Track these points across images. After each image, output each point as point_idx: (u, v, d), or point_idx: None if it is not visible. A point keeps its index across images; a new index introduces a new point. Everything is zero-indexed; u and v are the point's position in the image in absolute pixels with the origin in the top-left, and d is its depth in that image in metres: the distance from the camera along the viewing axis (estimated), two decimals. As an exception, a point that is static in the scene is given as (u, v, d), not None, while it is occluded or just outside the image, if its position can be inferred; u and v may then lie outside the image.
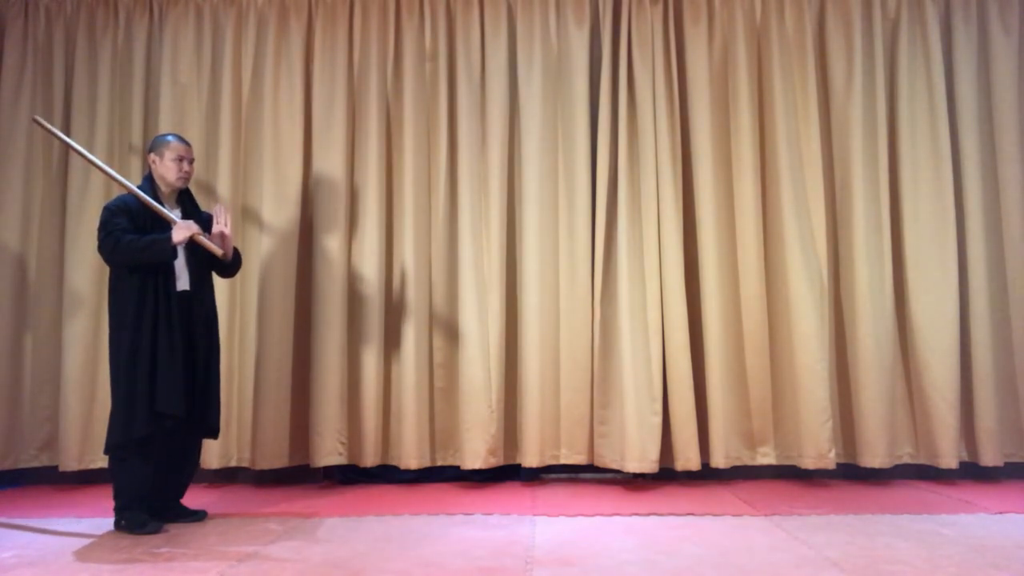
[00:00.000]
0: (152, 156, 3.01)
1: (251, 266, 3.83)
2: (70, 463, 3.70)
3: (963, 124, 3.84)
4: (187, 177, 3.05)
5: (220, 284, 3.76)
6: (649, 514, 3.06)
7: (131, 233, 2.83)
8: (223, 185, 3.85)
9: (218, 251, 2.96)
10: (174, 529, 2.86)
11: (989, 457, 3.65)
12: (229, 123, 3.90)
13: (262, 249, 3.80)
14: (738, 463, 3.72)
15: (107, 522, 3.01)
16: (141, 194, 2.90)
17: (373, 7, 3.97)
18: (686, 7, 3.92)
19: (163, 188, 3.01)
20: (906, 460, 3.74)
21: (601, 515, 3.06)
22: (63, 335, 3.77)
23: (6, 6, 4.02)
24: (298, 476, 3.79)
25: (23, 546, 2.67)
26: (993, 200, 3.84)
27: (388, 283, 3.84)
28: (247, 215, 3.89)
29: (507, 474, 3.77)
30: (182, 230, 2.85)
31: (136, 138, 3.92)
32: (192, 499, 3.43)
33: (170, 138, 3.05)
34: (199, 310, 2.98)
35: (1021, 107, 3.86)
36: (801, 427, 3.62)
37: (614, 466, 3.65)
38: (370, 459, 3.70)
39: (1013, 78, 3.86)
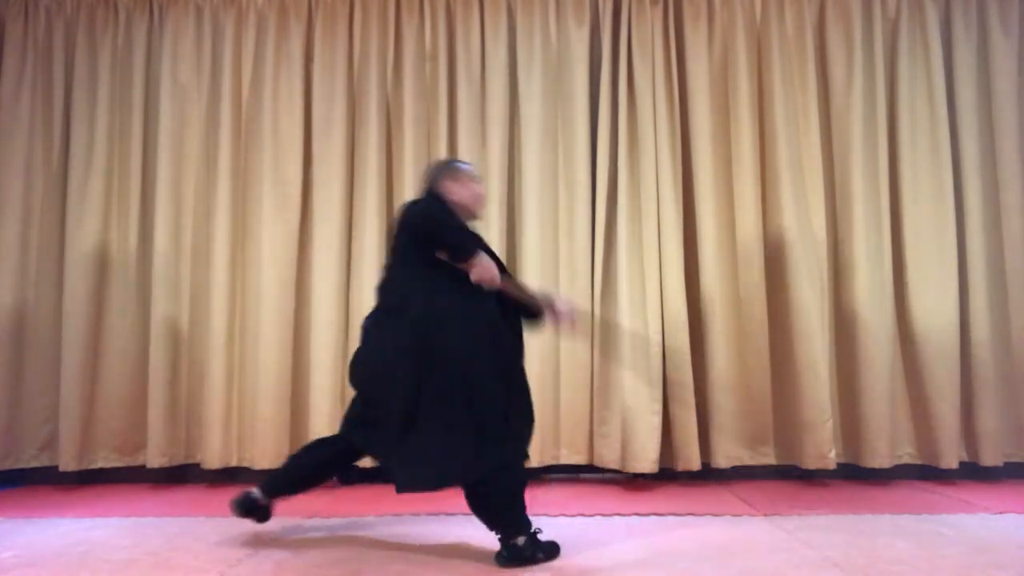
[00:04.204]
0: (447, 183, 2.61)
1: (251, 266, 3.84)
2: (70, 463, 3.70)
3: (963, 124, 3.84)
4: (483, 200, 2.75)
5: (220, 283, 3.79)
6: (649, 514, 3.06)
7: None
8: (223, 185, 3.85)
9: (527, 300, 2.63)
10: (174, 529, 2.86)
11: (989, 457, 3.65)
12: (229, 123, 3.90)
13: (262, 249, 3.80)
14: (738, 463, 3.72)
15: (107, 522, 3.01)
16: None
17: (373, 7, 3.97)
18: (686, 7, 3.92)
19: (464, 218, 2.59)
20: (906, 460, 3.74)
21: (601, 515, 3.06)
22: (63, 335, 3.77)
23: (6, 6, 4.03)
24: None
25: (23, 546, 2.67)
26: (993, 200, 3.84)
27: (388, 283, 3.84)
28: (247, 215, 3.89)
29: (507, 474, 3.77)
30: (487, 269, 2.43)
31: (136, 138, 3.92)
32: (192, 499, 3.45)
33: (459, 163, 2.72)
34: None
35: (1021, 107, 3.86)
36: (801, 427, 3.62)
37: (614, 466, 3.65)
38: (370, 459, 3.69)
39: (1013, 78, 3.86)
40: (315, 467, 2.67)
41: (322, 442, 2.76)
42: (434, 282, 2.44)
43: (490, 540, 2.64)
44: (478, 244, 2.51)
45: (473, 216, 2.67)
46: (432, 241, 2.43)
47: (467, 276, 2.43)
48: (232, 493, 3.58)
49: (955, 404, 3.65)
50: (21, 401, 3.82)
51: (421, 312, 2.40)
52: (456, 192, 2.60)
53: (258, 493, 2.66)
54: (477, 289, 2.44)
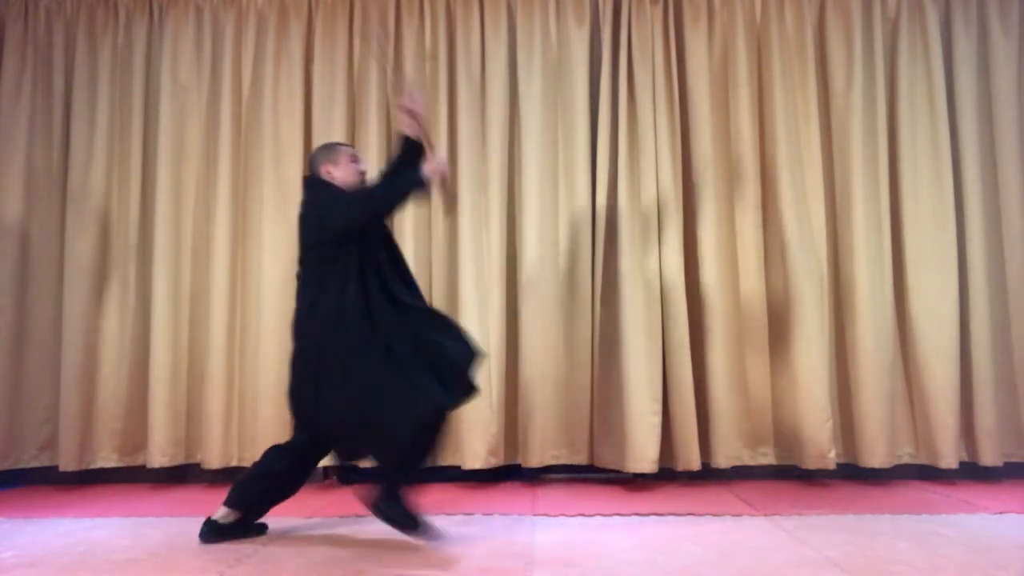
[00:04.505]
0: (327, 167, 2.74)
1: (251, 266, 3.84)
2: (70, 463, 3.70)
3: (963, 124, 3.84)
4: (364, 178, 2.84)
5: (220, 283, 3.79)
6: (649, 514, 3.06)
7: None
8: (223, 185, 3.85)
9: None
10: (174, 529, 2.86)
11: (989, 457, 3.65)
12: (229, 123, 3.90)
13: (262, 249, 3.80)
14: (738, 463, 3.72)
15: (107, 522, 3.01)
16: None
17: (373, 7, 3.97)
18: (686, 7, 3.92)
19: None
20: (906, 460, 3.74)
21: (601, 515, 3.06)
22: (63, 335, 3.77)
23: (6, 6, 4.02)
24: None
25: (23, 546, 2.67)
26: (993, 200, 3.84)
27: (388, 283, 3.84)
28: (247, 215, 3.89)
29: (507, 474, 3.77)
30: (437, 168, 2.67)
31: (136, 138, 3.92)
32: (192, 499, 3.45)
33: (337, 145, 2.88)
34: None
35: (1021, 107, 3.86)
36: (801, 427, 3.62)
37: (614, 466, 3.65)
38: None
39: (1013, 79, 3.86)
40: (286, 476, 2.72)
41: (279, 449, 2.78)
42: (324, 288, 2.58)
43: (491, 539, 2.65)
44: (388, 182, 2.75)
45: None
46: (384, 217, 2.67)
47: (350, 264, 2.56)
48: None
49: (955, 404, 3.65)
50: (21, 401, 3.81)
51: (307, 313, 2.62)
52: (336, 175, 2.73)
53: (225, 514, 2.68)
54: (361, 273, 2.58)
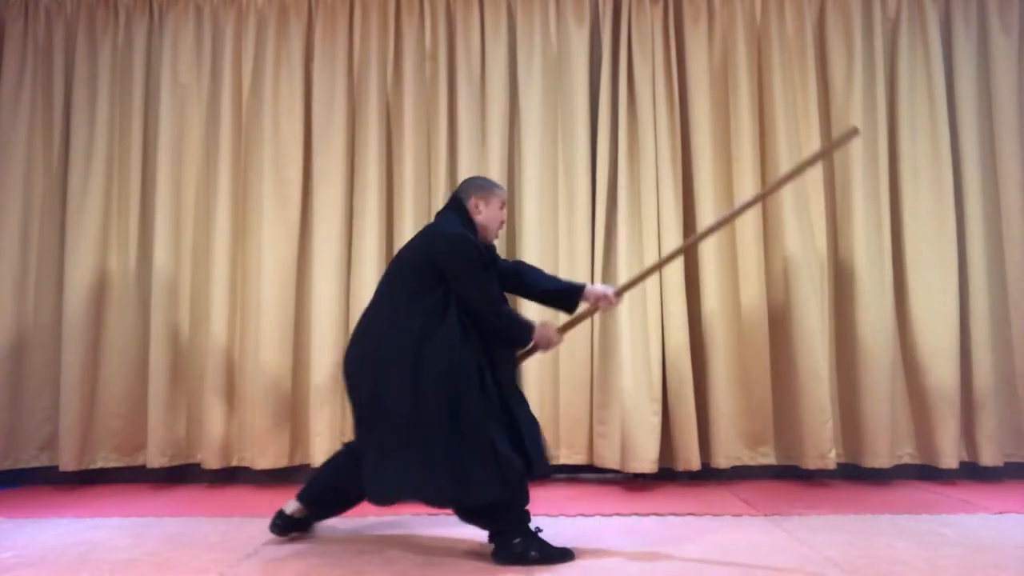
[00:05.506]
0: (477, 200, 2.64)
1: (251, 266, 3.84)
2: (70, 463, 3.70)
3: (963, 124, 3.84)
4: (503, 226, 2.79)
5: (220, 283, 3.79)
6: (649, 514, 3.06)
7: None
8: (223, 185, 3.85)
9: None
10: (174, 529, 2.86)
11: (989, 457, 3.65)
12: (229, 123, 3.90)
13: (262, 249, 3.80)
14: (738, 463, 3.72)
15: (107, 521, 3.01)
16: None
17: (373, 7, 3.97)
18: (686, 7, 3.92)
19: (480, 239, 2.64)
20: (906, 460, 3.74)
21: (601, 515, 3.06)
22: (63, 335, 3.77)
23: (6, 6, 4.03)
24: (298, 476, 3.79)
25: (23, 546, 2.67)
26: (993, 200, 3.84)
27: (388, 283, 3.83)
28: (247, 215, 3.89)
29: (507, 474, 3.77)
30: (549, 340, 2.65)
31: (136, 138, 3.92)
32: (192, 499, 3.45)
33: (495, 186, 2.73)
34: None
35: (1021, 107, 3.86)
36: (801, 427, 3.62)
37: (614, 466, 3.65)
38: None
39: (1013, 78, 3.87)
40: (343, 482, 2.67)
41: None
42: (443, 318, 2.46)
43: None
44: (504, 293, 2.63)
45: (489, 239, 2.70)
46: (482, 317, 2.49)
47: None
48: (232, 493, 3.60)
49: (955, 404, 3.65)
50: (21, 401, 3.81)
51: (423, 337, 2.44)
52: (483, 213, 2.64)
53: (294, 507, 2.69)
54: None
